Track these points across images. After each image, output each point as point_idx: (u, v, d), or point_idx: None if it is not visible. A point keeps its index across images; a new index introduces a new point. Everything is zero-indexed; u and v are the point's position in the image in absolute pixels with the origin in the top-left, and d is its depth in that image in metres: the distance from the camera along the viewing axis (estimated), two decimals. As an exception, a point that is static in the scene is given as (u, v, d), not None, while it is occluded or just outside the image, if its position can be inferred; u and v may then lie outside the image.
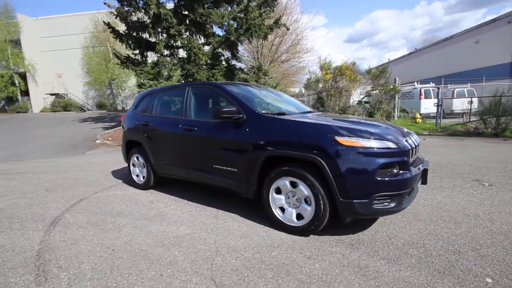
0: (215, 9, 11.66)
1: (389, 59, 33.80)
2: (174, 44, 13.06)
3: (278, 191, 2.58)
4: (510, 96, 9.33)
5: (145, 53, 12.14)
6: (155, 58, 12.28)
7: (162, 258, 2.19)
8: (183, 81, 11.69)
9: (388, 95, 11.97)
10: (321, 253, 2.19)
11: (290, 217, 2.50)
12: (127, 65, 11.18)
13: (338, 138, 2.21)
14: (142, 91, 10.65)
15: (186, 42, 10.16)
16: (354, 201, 2.16)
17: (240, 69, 13.30)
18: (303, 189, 2.37)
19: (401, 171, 2.22)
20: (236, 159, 2.81)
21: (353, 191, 2.15)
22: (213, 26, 12.22)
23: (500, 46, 17.18)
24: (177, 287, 1.82)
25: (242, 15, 11.29)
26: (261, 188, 2.71)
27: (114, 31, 11.48)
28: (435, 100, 15.01)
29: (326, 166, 2.21)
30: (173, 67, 11.62)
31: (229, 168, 2.89)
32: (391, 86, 11.85)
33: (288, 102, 3.72)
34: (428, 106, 14.51)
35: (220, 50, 11.86)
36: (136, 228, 2.78)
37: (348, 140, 2.19)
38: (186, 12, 11.86)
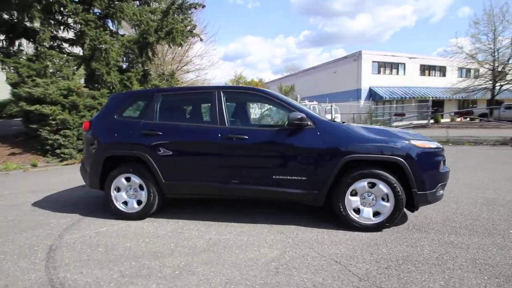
0: (124, 3, 10.07)
1: (261, 79, 38.96)
2: (59, 36, 10.26)
3: (353, 193, 2.73)
4: (374, 113, 13.08)
5: (16, 41, 8.86)
6: (31, 50, 9.20)
7: (305, 285, 1.89)
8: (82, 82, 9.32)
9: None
10: (413, 241, 2.51)
11: (368, 215, 2.71)
12: (-9, 54, 7.76)
13: (414, 142, 2.66)
14: (20, 90, 7.69)
15: (95, 35, 8.18)
16: (427, 192, 2.64)
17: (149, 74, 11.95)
18: (383, 188, 2.65)
19: (444, 165, 2.91)
20: (307, 167, 2.75)
21: (428, 184, 2.63)
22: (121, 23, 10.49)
23: (350, 76, 23.63)
24: (364, 305, 1.68)
25: (159, 17, 10.31)
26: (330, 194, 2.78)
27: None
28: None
29: (408, 166, 2.59)
30: (66, 63, 9.08)
31: (296, 177, 2.77)
32: (295, 102, 13.94)
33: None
34: (315, 119, 17.92)
35: (131, 51, 10.28)
36: (212, 264, 2.19)
37: (421, 143, 2.67)
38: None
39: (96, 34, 8.28)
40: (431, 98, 19.56)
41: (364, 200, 2.73)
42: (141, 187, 3.13)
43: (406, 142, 2.66)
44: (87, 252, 2.44)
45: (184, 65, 17.72)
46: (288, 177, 2.79)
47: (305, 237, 2.66)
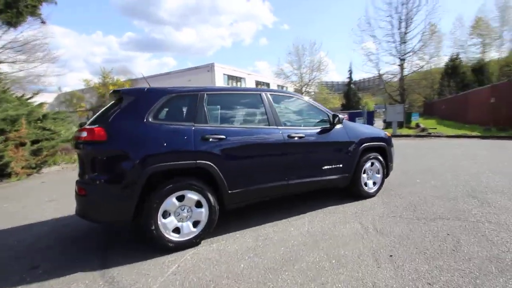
0: None
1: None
2: None
3: (364, 172, 3.78)
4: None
5: None
6: None
7: (405, 232, 2.68)
8: None
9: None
10: (404, 193, 3.89)
11: (371, 186, 3.85)
12: None
13: (385, 132, 4.08)
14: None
15: None
16: (392, 164, 4.15)
17: None
18: (378, 165, 3.88)
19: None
20: (342, 156, 3.49)
21: (392, 158, 4.13)
22: None
23: (205, 85, 25.17)
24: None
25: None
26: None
27: None
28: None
29: (387, 148, 3.96)
30: None
31: (336, 166, 3.43)
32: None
33: None
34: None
35: None
36: (343, 246, 2.50)
37: (388, 133, 4.14)
38: None
39: None
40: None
41: (368, 175, 3.85)
42: (198, 204, 2.60)
43: (383, 133, 4.06)
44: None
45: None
46: (332, 166, 3.41)
47: (352, 211, 3.38)
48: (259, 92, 3.15)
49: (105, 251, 2.61)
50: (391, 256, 2.27)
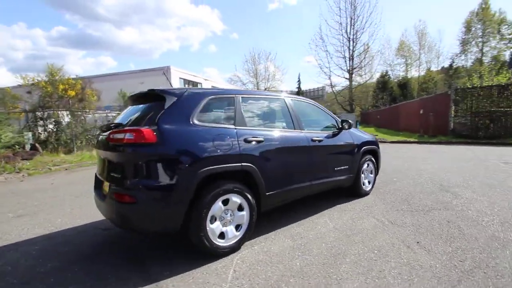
0: None
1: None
2: None
3: (362, 172, 4.19)
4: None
5: None
6: None
7: (414, 222, 3.09)
8: None
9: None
10: (394, 187, 4.42)
11: (367, 185, 4.29)
12: None
13: (375, 136, 4.60)
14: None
15: None
16: (380, 165, 4.69)
17: None
18: (371, 166, 4.35)
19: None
20: (349, 158, 3.83)
21: (380, 159, 4.68)
22: None
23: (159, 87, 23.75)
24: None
25: None
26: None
27: None
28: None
29: (378, 151, 4.48)
30: None
31: (344, 167, 3.75)
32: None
33: None
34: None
35: None
36: (373, 237, 2.75)
37: (376, 137, 4.67)
38: None
39: None
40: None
41: (364, 175, 4.28)
42: (239, 208, 2.57)
43: (373, 137, 4.57)
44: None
45: None
46: (342, 167, 3.72)
47: (360, 208, 3.72)
48: (282, 97, 3.29)
49: (142, 264, 2.36)
50: (418, 242, 2.62)
